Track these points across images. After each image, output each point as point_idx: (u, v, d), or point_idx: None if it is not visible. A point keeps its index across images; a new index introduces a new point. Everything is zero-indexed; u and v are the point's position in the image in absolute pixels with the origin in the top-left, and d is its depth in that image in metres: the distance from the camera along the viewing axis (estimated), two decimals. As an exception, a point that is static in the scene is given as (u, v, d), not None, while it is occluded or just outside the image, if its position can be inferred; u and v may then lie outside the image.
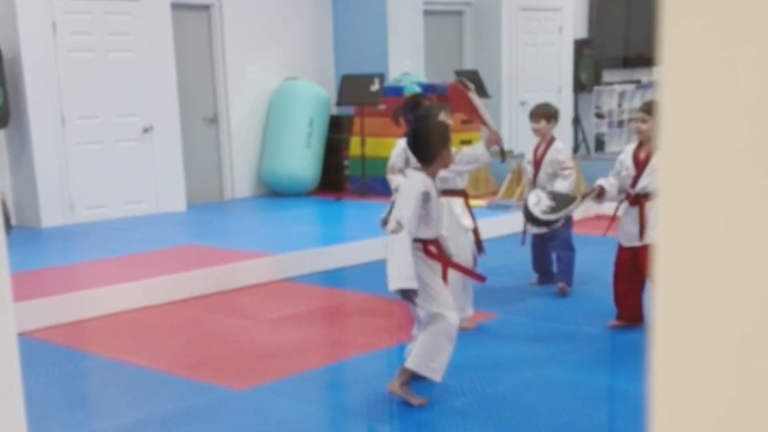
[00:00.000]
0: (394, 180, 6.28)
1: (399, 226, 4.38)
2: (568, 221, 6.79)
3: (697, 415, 0.84)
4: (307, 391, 4.88)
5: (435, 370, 4.54)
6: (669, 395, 0.85)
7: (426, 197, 4.48)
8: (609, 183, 5.74)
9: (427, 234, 4.52)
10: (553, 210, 5.64)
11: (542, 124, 6.66)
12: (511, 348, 5.42)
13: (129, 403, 4.81)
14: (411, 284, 4.33)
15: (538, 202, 5.80)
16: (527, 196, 6.07)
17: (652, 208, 5.54)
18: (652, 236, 5.53)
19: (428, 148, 4.54)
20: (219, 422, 4.47)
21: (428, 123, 4.94)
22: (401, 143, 6.34)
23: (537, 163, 6.68)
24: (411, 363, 4.54)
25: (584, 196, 5.85)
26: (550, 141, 6.70)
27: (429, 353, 4.51)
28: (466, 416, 4.47)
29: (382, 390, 4.82)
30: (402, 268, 4.32)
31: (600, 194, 5.73)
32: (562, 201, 5.90)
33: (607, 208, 9.10)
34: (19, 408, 1.08)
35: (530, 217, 5.95)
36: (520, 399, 4.66)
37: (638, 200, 5.60)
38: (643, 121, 5.59)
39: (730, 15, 0.77)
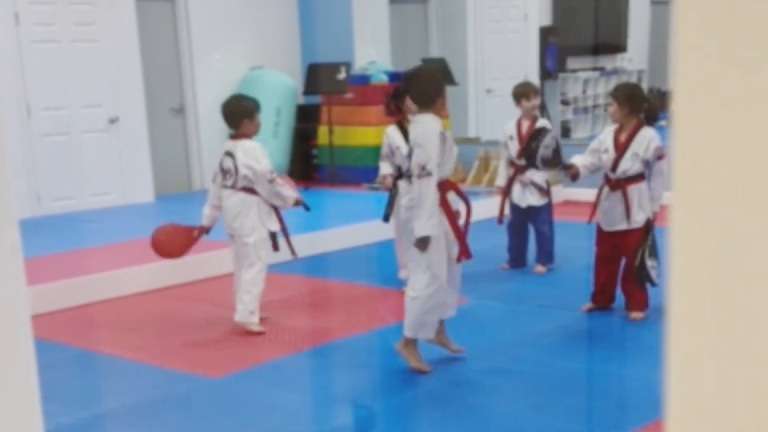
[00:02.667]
0: (382, 167, 6.41)
1: (425, 171, 4.53)
2: (550, 200, 6.95)
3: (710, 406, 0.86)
4: (282, 377, 4.90)
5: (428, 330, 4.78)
6: (684, 387, 0.87)
7: (442, 136, 4.64)
8: (583, 161, 5.67)
9: (441, 174, 4.66)
10: (547, 163, 5.48)
11: (534, 101, 6.80)
12: (484, 332, 5.46)
13: (104, 393, 4.80)
14: (434, 231, 4.55)
15: (548, 146, 5.54)
16: (545, 136, 5.73)
17: (635, 192, 5.58)
18: (636, 221, 5.58)
19: (426, 92, 4.74)
20: (195, 410, 4.48)
21: (422, 70, 5.11)
22: (387, 131, 6.41)
23: (523, 139, 6.76)
24: (407, 330, 4.76)
25: (564, 168, 5.74)
26: (535, 118, 6.84)
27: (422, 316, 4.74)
28: (439, 400, 4.51)
29: (357, 374, 4.86)
30: (431, 215, 4.52)
31: (575, 176, 5.66)
32: (554, 160, 5.72)
33: (577, 193, 9.19)
34: (35, 397, 1.09)
35: (532, 149, 5.69)
36: (493, 382, 4.70)
37: (620, 184, 5.59)
38: (610, 105, 5.65)
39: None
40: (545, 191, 6.89)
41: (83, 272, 6.62)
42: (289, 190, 5.59)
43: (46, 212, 9.35)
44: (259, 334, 5.60)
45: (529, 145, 5.67)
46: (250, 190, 5.56)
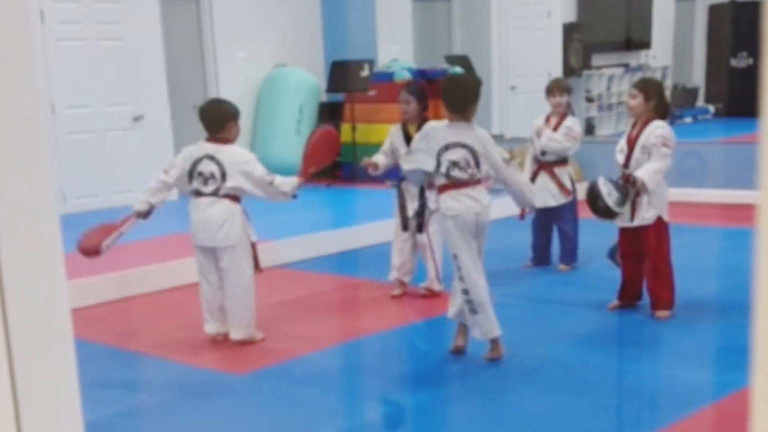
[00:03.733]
0: (377, 157, 6.32)
1: (508, 160, 4.90)
2: (575, 199, 6.87)
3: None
4: (308, 373, 4.89)
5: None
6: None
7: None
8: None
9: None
10: (620, 202, 5.42)
11: (565, 98, 6.80)
12: (510, 330, 5.42)
13: (128, 389, 4.81)
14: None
15: (610, 193, 5.36)
16: (597, 183, 5.44)
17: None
18: (645, 218, 5.51)
19: (462, 98, 4.85)
20: (219, 406, 4.47)
21: (462, 76, 5.13)
22: (391, 130, 6.38)
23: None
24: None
25: (632, 185, 5.53)
26: (563, 115, 6.83)
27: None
28: (465, 398, 4.49)
29: (382, 372, 4.84)
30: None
31: (640, 187, 5.41)
32: (623, 194, 5.42)
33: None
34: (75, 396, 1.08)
35: (601, 208, 5.41)
36: (519, 380, 4.67)
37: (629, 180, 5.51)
38: (632, 97, 5.58)
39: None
40: (568, 190, 6.83)
41: (108, 270, 6.64)
42: (287, 181, 5.34)
43: (71, 210, 9.38)
44: (263, 340, 5.40)
45: (597, 207, 5.41)
46: (233, 198, 5.27)
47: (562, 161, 6.85)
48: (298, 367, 4.99)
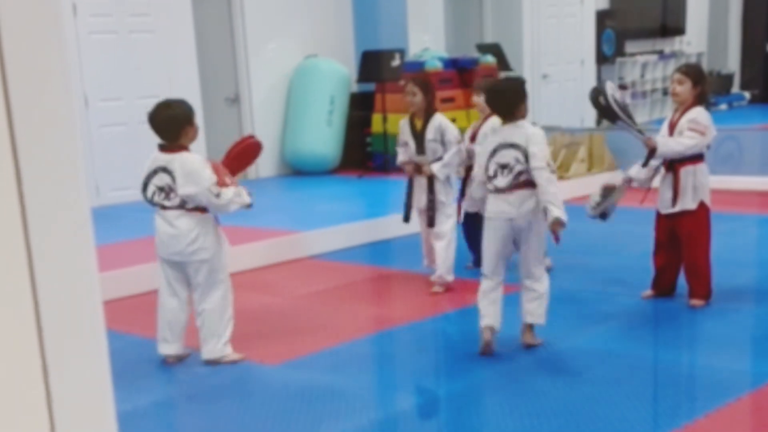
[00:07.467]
0: (399, 153, 6.33)
1: (550, 167, 4.74)
2: None
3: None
4: (339, 364, 4.89)
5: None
6: None
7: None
8: (636, 170, 5.61)
9: None
10: (622, 108, 5.35)
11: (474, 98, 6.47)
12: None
13: (162, 380, 4.83)
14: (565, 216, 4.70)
15: (614, 95, 5.34)
16: (605, 84, 5.48)
17: (689, 174, 5.46)
18: (687, 203, 5.45)
19: (507, 103, 4.88)
20: (252, 397, 4.48)
21: (502, 81, 5.17)
22: (401, 123, 6.32)
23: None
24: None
25: (640, 131, 5.48)
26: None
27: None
28: (497, 388, 4.47)
29: (413, 361, 4.83)
30: (560, 201, 4.72)
31: (653, 149, 5.40)
32: (627, 110, 5.45)
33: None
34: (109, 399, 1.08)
35: (601, 104, 5.39)
36: (553, 369, 4.64)
37: (672, 166, 5.48)
38: (680, 82, 5.49)
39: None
40: None
41: (140, 261, 6.67)
42: (239, 191, 4.81)
43: (104, 202, 9.45)
44: (242, 359, 4.98)
45: (597, 101, 5.37)
46: (202, 209, 4.84)
47: None
48: (330, 357, 4.99)
